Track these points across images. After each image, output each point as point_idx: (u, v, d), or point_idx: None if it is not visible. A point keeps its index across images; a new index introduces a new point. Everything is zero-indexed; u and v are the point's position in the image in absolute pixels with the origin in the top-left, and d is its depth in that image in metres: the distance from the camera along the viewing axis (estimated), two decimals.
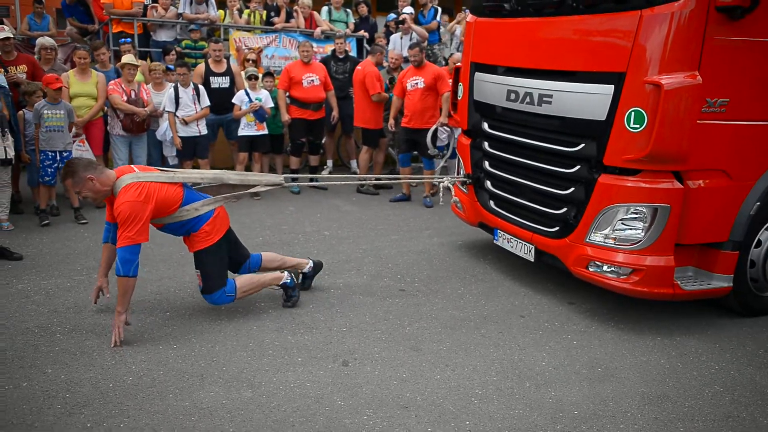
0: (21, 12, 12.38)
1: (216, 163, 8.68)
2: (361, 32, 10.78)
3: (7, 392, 3.47)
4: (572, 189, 4.70)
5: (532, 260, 5.06)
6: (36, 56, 7.68)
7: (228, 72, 8.17)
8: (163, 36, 9.54)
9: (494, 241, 5.51)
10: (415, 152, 8.14)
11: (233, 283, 4.48)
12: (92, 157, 7.15)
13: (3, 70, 6.87)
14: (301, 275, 5.03)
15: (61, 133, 6.72)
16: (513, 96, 5.04)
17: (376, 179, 7.96)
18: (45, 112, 6.63)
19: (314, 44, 9.24)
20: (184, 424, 3.24)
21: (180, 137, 7.52)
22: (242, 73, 8.38)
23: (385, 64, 9.08)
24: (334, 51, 9.34)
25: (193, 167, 7.91)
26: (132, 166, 4.42)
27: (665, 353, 4.19)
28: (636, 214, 4.35)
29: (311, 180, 8.05)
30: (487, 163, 5.56)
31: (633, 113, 4.19)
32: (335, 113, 8.75)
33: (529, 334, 4.45)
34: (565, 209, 4.77)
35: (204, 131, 7.73)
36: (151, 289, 4.95)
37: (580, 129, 4.56)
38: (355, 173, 9.57)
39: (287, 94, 8.32)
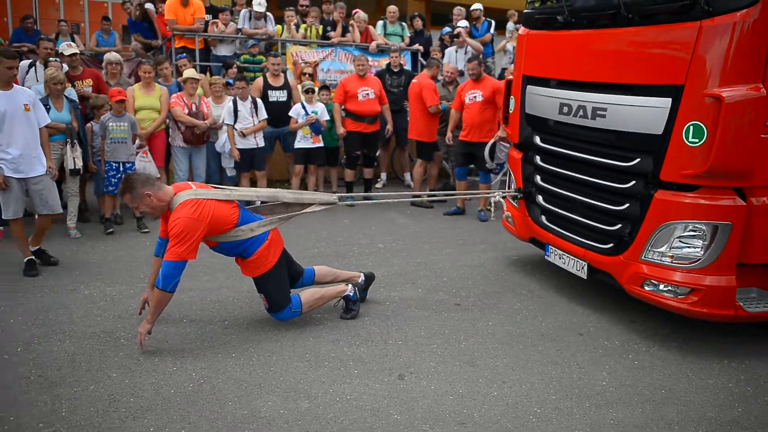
0: (90, 29, 12.93)
1: (272, 175, 8.85)
2: (416, 46, 10.83)
3: (76, 394, 3.58)
4: (627, 205, 4.58)
5: (585, 277, 4.94)
6: (103, 71, 7.99)
7: (285, 86, 8.32)
8: (223, 51, 9.79)
9: (545, 257, 5.42)
10: (472, 165, 8.11)
11: (298, 299, 4.52)
12: (154, 168, 7.38)
13: (70, 84, 7.16)
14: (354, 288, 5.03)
15: (125, 145, 6.95)
16: (566, 109, 4.95)
17: (429, 195, 7.93)
18: (110, 124, 6.88)
19: (369, 58, 9.34)
20: None
21: (238, 149, 7.67)
22: (299, 86, 8.51)
23: (440, 77, 9.08)
24: (389, 64, 9.41)
25: (250, 179, 8.07)
26: (189, 183, 4.46)
27: (733, 377, 4.03)
28: (695, 231, 4.20)
29: (365, 198, 8.05)
30: (538, 178, 5.48)
31: (692, 127, 4.06)
32: (390, 126, 8.81)
33: (588, 352, 4.35)
34: (619, 225, 4.65)
35: (261, 143, 7.87)
36: (210, 298, 5.05)
37: (635, 143, 4.45)
38: (408, 186, 9.60)
39: (342, 107, 8.41)
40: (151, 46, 10.49)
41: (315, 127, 8.03)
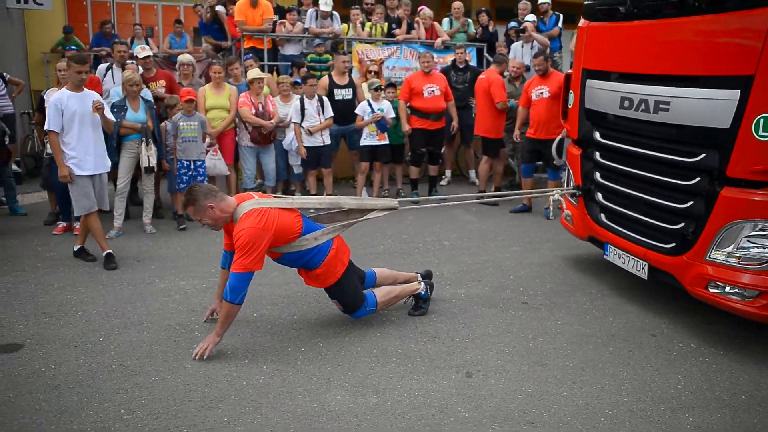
0: (163, 32, 13.39)
1: (338, 172, 8.95)
2: (482, 42, 10.74)
3: (154, 383, 3.73)
4: (691, 202, 4.40)
5: (645, 278, 4.76)
6: (176, 72, 8.26)
7: (351, 84, 8.39)
8: (290, 50, 9.96)
9: (604, 257, 5.26)
10: (539, 162, 7.98)
11: (373, 297, 4.54)
12: (224, 166, 7.59)
13: (145, 85, 7.44)
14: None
15: (195, 143, 7.16)
16: (627, 103, 4.78)
17: (493, 196, 7.82)
18: (181, 123, 7.11)
19: (435, 54, 9.31)
20: (313, 425, 3.34)
21: (305, 147, 7.79)
22: (364, 84, 8.57)
23: (506, 73, 8.97)
24: (454, 61, 9.37)
25: (317, 177, 8.18)
26: (251, 193, 4.44)
27: None
28: (764, 231, 3.98)
29: (426, 201, 7.96)
30: (598, 174, 5.32)
31: (762, 120, 3.85)
32: (455, 123, 8.76)
33: (662, 354, 4.22)
34: (682, 224, 4.46)
35: (328, 141, 7.97)
36: (279, 293, 5.15)
37: (700, 138, 4.26)
38: (473, 184, 9.53)
39: (408, 104, 8.42)
40: (221, 48, 10.77)
41: (381, 124, 8.06)
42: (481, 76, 8.57)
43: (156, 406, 3.48)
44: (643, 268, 4.77)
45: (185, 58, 8.23)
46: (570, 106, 5.67)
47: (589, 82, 5.30)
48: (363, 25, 10.35)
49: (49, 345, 4.21)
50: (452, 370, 3.96)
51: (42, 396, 3.58)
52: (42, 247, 6.35)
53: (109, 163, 6.05)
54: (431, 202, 7.81)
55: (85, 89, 5.87)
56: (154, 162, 6.94)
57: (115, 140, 6.89)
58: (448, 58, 9.98)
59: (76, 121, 5.69)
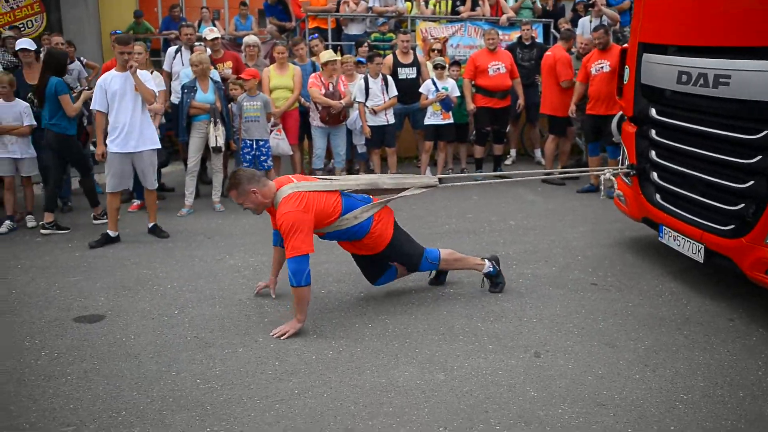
0: (229, 14, 13.62)
1: (401, 152, 8.94)
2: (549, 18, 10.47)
3: (227, 355, 3.85)
4: (751, 182, 4.16)
5: (701, 261, 4.56)
6: (242, 53, 8.39)
7: (415, 63, 8.34)
8: (354, 30, 9.97)
9: (659, 239, 5.07)
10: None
11: (437, 252, 4.60)
12: (287, 146, 7.68)
13: (213, 67, 7.59)
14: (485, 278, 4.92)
15: (258, 123, 7.27)
16: (684, 78, 4.55)
17: (539, 174, 7.62)
18: (245, 104, 7.23)
19: (500, 32, 9.14)
20: (381, 400, 3.38)
21: (369, 126, 7.81)
22: (429, 63, 8.50)
23: (573, 49, 8.74)
24: (520, 38, 9.18)
25: (381, 156, 8.20)
26: (290, 176, 4.48)
27: None
28: None
29: (467, 179, 7.79)
30: (653, 153, 5.12)
31: None
32: (521, 101, 8.61)
33: (740, 339, 4.06)
34: (742, 205, 4.24)
35: (392, 120, 7.96)
36: (344, 270, 5.20)
37: (763, 113, 4.01)
38: (539, 163, 9.36)
39: (473, 82, 8.31)
40: (285, 28, 10.88)
41: (445, 103, 8.00)
42: (547, 53, 8.38)
43: (230, 377, 3.60)
44: (699, 251, 4.58)
45: (251, 39, 8.34)
46: (625, 82, 5.47)
47: (646, 56, 5.07)
48: (427, 3, 10.26)
49: (128, 316, 4.40)
50: (520, 349, 3.92)
51: (123, 364, 3.75)
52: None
53: (154, 141, 6.07)
54: (474, 179, 7.72)
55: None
56: (222, 142, 7.09)
57: (185, 120, 7.09)
58: (514, 35, 9.78)
59: (116, 100, 5.82)
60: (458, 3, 10.29)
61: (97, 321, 4.35)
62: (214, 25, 12.03)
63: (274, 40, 10.52)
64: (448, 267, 4.74)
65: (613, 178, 5.50)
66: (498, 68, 8.20)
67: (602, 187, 5.43)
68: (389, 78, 7.94)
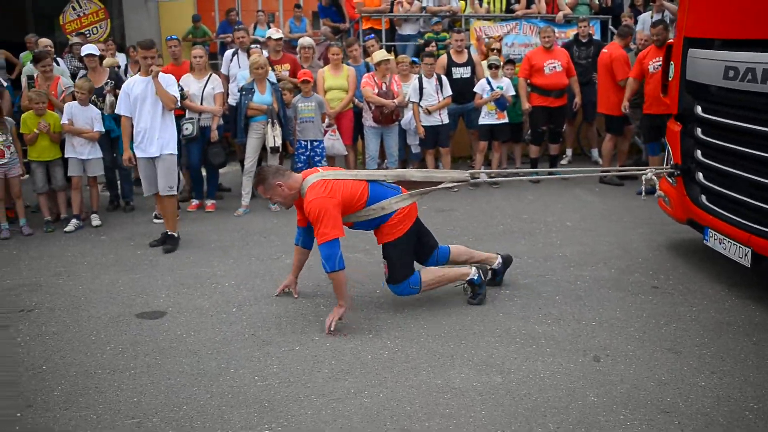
0: (284, 17, 13.81)
1: (456, 151, 8.89)
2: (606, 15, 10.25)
3: (284, 353, 3.90)
4: None
5: (748, 266, 4.34)
6: (297, 55, 8.49)
7: (469, 62, 8.28)
8: (407, 30, 9.96)
9: (704, 242, 4.86)
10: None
11: (418, 275, 4.43)
12: (342, 146, 7.72)
13: (270, 68, 7.70)
14: (490, 272, 4.81)
15: (312, 124, 7.33)
16: (731, 73, 4.34)
17: (578, 172, 7.39)
18: (299, 105, 7.31)
19: (556, 29, 8.99)
20: (437, 401, 3.36)
21: (423, 126, 7.79)
22: (484, 62, 8.42)
23: (632, 46, 8.52)
24: (577, 35, 9.00)
25: (435, 157, 8.16)
26: (317, 168, 4.45)
27: None
28: None
29: (500, 175, 7.68)
30: (699, 153, 4.91)
31: None
32: (578, 100, 8.44)
33: None
34: None
35: (446, 120, 7.92)
36: None
37: None
38: (596, 163, 9.17)
39: (528, 81, 8.19)
40: (339, 30, 10.96)
41: (500, 102, 7.91)
42: (604, 50, 8.19)
43: (287, 375, 3.64)
44: (745, 255, 4.37)
45: (306, 41, 8.42)
46: (670, 79, 5.27)
47: (691, 51, 4.88)
48: (481, 1, 10.17)
49: (188, 314, 4.50)
50: (579, 353, 3.84)
51: (184, 360, 3.84)
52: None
53: (172, 146, 5.97)
54: (505, 176, 7.61)
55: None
56: (279, 142, 7.18)
57: (242, 121, 7.22)
58: (570, 33, 9.61)
59: (138, 105, 5.84)
60: (513, 1, 10.16)
61: (159, 317, 4.47)
62: (270, 28, 12.23)
63: (328, 41, 10.63)
64: (430, 288, 4.50)
65: (656, 178, 5.32)
66: (554, 66, 8.07)
67: (642, 187, 5.24)
68: (444, 78, 7.90)
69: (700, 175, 4.93)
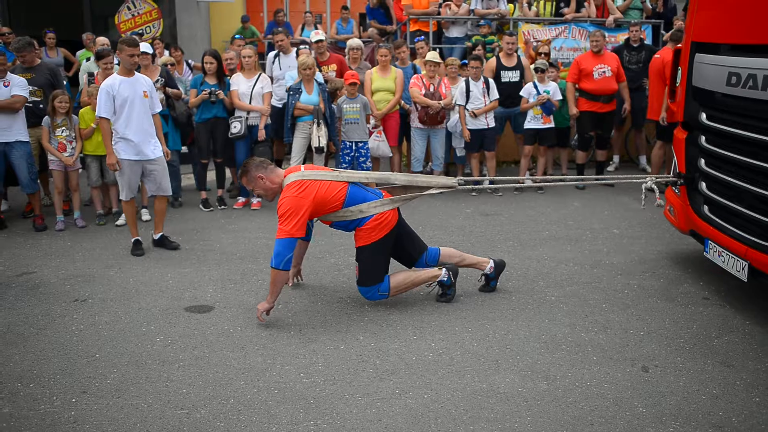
0: (331, 18, 13.94)
1: (501, 156, 8.83)
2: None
3: (329, 351, 3.93)
4: None
5: (745, 280, 4.20)
6: (346, 56, 8.55)
7: (518, 66, 8.21)
8: (454, 32, 9.95)
9: (704, 254, 4.72)
10: None
11: (387, 282, 4.46)
12: (387, 148, 7.74)
13: (318, 69, 7.77)
14: (483, 277, 4.83)
15: (357, 125, 7.37)
16: (734, 79, 4.20)
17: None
18: (344, 106, 7.36)
19: (606, 33, 8.85)
20: (482, 405, 3.34)
21: (468, 129, 7.76)
22: (533, 66, 8.35)
23: None
24: (627, 40, 8.85)
25: (480, 161, 8.12)
26: (300, 165, 4.50)
27: None
28: None
29: (490, 182, 7.64)
30: (702, 161, 4.76)
31: None
32: (627, 106, 8.30)
33: None
34: None
35: (492, 124, 7.87)
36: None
37: None
38: (644, 170, 9.00)
39: (576, 86, 8.09)
40: (386, 31, 11.00)
41: (546, 107, 7.83)
42: (656, 55, 8.02)
43: (332, 373, 3.67)
44: (743, 269, 4.22)
45: (354, 42, 8.48)
46: (678, 84, 5.14)
47: (698, 56, 4.73)
48: (530, 4, 10.08)
49: (234, 309, 4.58)
50: (626, 362, 3.78)
51: (231, 354, 3.91)
52: (225, 220, 6.91)
53: (159, 148, 5.83)
54: (495, 183, 7.54)
55: (137, 74, 5.82)
56: (324, 142, 7.25)
57: (289, 121, 7.31)
58: (621, 37, 9.46)
59: (126, 107, 5.61)
60: (562, 4, 10.05)
61: (206, 312, 4.55)
62: (317, 29, 12.36)
63: (375, 43, 10.68)
64: (399, 292, 4.56)
65: (656, 188, 5.18)
66: (603, 71, 7.95)
67: (643, 197, 5.13)
68: (491, 81, 7.86)
69: (704, 185, 4.80)
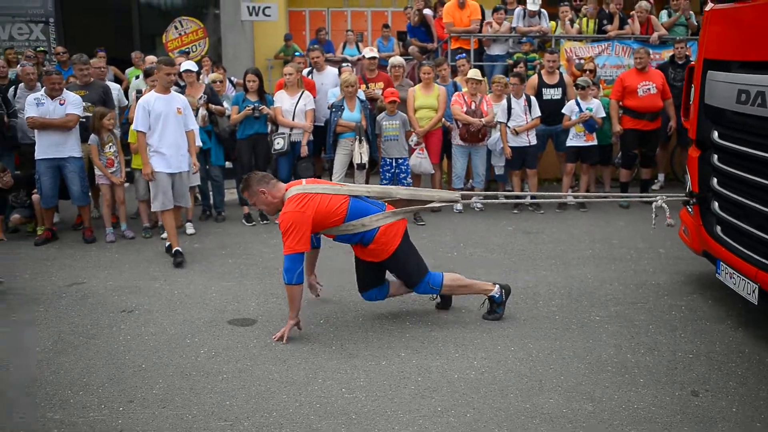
0: (372, 36, 14.08)
1: (543, 173, 8.75)
2: None
3: (370, 367, 3.93)
4: None
5: (755, 302, 4.05)
6: (388, 74, 8.61)
7: (560, 83, 8.16)
8: (496, 50, 9.94)
9: (716, 275, 4.59)
10: None
11: (440, 277, 4.50)
12: (429, 165, 7.75)
13: (365, 86, 7.85)
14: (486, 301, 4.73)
15: (396, 142, 7.40)
16: (743, 97, 4.09)
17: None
18: (384, 123, 7.40)
19: (651, 50, 8.73)
20: (526, 426, 3.30)
21: (510, 147, 7.72)
22: (573, 84, 8.29)
23: None
24: (673, 56, 8.72)
25: (521, 178, 8.07)
26: (302, 180, 4.58)
27: None
28: None
29: (489, 198, 7.62)
30: (715, 180, 4.64)
31: None
32: (672, 123, 8.16)
33: None
34: None
35: (534, 141, 7.82)
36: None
37: None
38: None
39: (620, 103, 8.00)
40: (426, 49, 11.05)
41: (589, 124, 7.75)
42: None
43: (373, 389, 3.67)
44: (753, 292, 4.08)
45: (396, 60, 8.53)
46: (691, 102, 5.03)
47: (710, 74, 4.62)
48: (572, 22, 10.03)
49: (277, 322, 4.62)
50: (675, 386, 3.68)
51: (273, 367, 3.94)
52: (267, 234, 6.99)
53: (187, 162, 6.22)
54: (495, 198, 7.49)
55: (173, 92, 6.20)
56: (365, 159, 7.30)
57: (331, 138, 7.39)
58: (666, 54, 9.31)
59: (160, 122, 5.99)
60: (605, 22, 9.96)
61: (249, 325, 4.61)
62: (358, 47, 12.49)
63: (415, 61, 10.74)
64: (452, 292, 4.63)
65: (666, 207, 5.04)
66: (648, 88, 7.84)
67: (653, 215, 5.01)
68: (533, 98, 7.82)
69: (716, 205, 4.68)
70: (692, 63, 5.33)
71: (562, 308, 4.83)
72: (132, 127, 6.19)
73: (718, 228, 4.69)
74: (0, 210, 6.97)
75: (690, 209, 5.11)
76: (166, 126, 6.02)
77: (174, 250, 6.08)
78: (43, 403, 3.54)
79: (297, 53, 11.31)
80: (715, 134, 4.67)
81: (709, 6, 4.88)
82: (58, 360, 4.07)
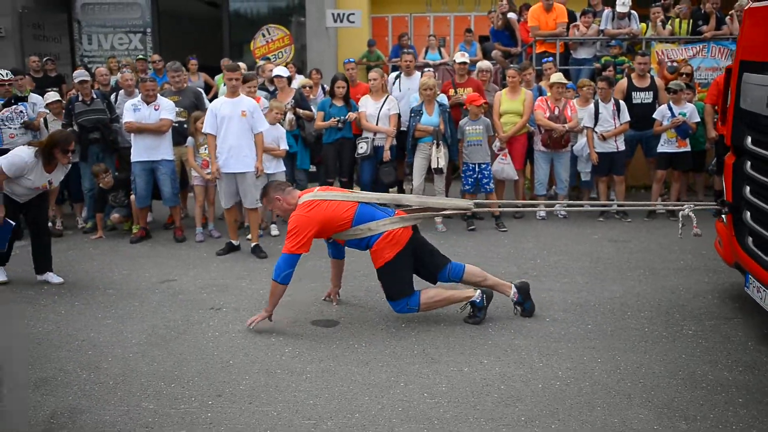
0: (454, 41, 14.03)
1: (631, 180, 8.46)
2: None
3: (453, 373, 3.91)
4: None
5: None
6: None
7: (651, 87, 7.88)
8: (582, 53, 9.71)
9: (745, 289, 4.27)
10: None
11: (418, 297, 4.54)
12: (512, 171, 7.63)
13: (453, 91, 7.81)
14: (515, 308, 4.72)
15: (479, 147, 7.33)
16: None
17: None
18: (467, 128, 7.35)
19: None
20: None
21: (597, 153, 7.51)
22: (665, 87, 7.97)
23: None
24: None
25: (608, 185, 7.83)
26: (317, 186, 4.67)
27: None
28: None
29: (503, 206, 7.36)
30: (747, 189, 4.29)
31: None
32: None
33: None
34: None
35: (622, 147, 7.58)
36: (570, 300, 5.04)
37: None
38: None
39: (716, 108, 7.62)
40: (510, 53, 10.91)
41: (682, 129, 7.43)
42: None
43: (456, 395, 3.64)
44: None
45: (484, 64, 8.43)
46: (728, 106, 4.67)
47: (745, 76, 4.27)
48: (664, 23, 9.65)
49: (359, 325, 4.67)
50: None
51: (356, 369, 3.98)
52: None
53: (250, 163, 6.37)
54: (509, 206, 7.18)
55: (241, 96, 6.41)
56: (443, 164, 7.27)
57: (410, 142, 7.41)
58: None
59: (224, 125, 6.26)
60: (700, 22, 9.54)
61: (332, 326, 4.67)
62: (440, 52, 12.48)
63: (499, 65, 10.62)
64: (429, 308, 4.65)
65: (693, 216, 4.71)
66: None
67: (680, 224, 4.74)
68: (622, 103, 7.58)
69: (748, 215, 4.35)
70: (730, 65, 5.00)
71: (652, 320, 4.64)
72: (201, 129, 6.64)
73: (750, 239, 4.41)
74: (100, 209, 7.37)
75: (724, 219, 4.82)
76: (229, 128, 6.30)
77: (228, 242, 6.57)
78: (138, 393, 3.72)
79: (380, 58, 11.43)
80: (749, 140, 4.38)
81: (748, 4, 4.58)
82: (152, 353, 4.26)
